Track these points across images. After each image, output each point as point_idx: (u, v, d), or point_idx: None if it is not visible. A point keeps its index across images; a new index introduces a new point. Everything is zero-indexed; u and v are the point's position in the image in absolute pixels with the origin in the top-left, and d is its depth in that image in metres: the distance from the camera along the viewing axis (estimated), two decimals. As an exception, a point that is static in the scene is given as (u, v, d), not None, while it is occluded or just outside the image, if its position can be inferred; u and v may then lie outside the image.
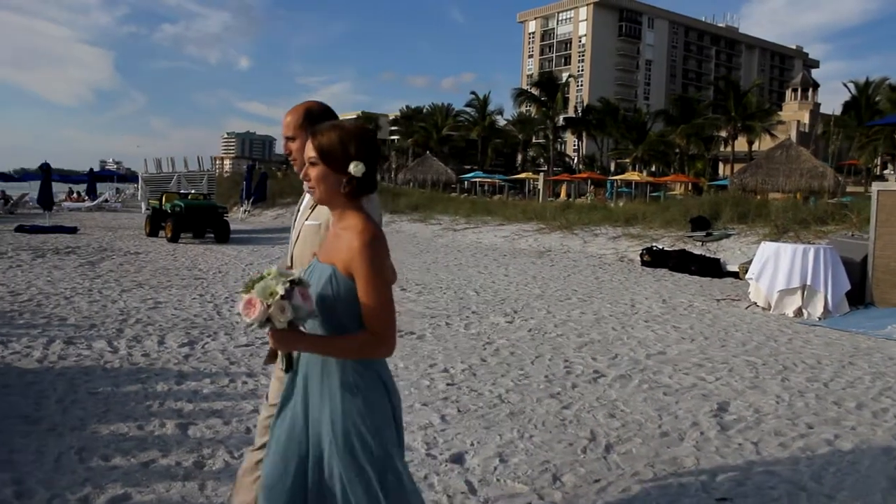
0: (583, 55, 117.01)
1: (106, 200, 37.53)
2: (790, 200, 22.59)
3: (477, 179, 59.75)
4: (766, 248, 10.09)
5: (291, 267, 2.61)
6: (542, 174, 54.18)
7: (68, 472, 3.76)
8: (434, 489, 3.70)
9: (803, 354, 7.16)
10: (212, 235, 19.16)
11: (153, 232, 19.56)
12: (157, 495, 3.52)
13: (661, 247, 15.87)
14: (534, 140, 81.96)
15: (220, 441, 4.26)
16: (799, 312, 9.40)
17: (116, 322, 7.67)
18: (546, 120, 72.60)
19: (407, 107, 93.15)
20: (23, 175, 46.45)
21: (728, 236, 16.88)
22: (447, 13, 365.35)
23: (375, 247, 2.03)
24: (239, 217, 30.05)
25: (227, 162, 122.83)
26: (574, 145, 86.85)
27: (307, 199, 2.68)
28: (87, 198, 37.92)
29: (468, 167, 74.34)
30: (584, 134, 76.04)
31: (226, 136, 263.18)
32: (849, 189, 36.33)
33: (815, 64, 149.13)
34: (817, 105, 67.45)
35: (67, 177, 48.13)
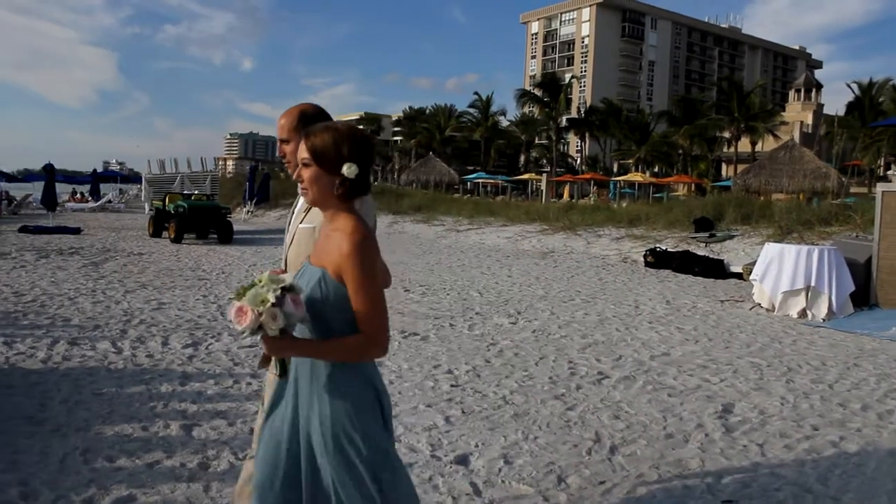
0: (586, 56, 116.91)
1: (109, 201, 37.62)
2: (793, 201, 22.55)
3: (480, 180, 59.77)
4: (770, 250, 10.07)
5: (286, 270, 2.60)
6: (544, 175, 54.17)
7: (73, 472, 3.76)
8: (439, 490, 3.70)
9: (808, 356, 7.15)
10: (215, 236, 19.19)
11: (156, 233, 19.59)
12: (162, 496, 3.52)
13: (664, 248, 15.86)
14: (537, 141, 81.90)
15: (224, 442, 4.26)
16: (803, 314, 9.38)
17: (120, 323, 7.67)
18: (549, 121, 72.56)
19: (410, 108, 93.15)
20: (26, 176, 46.60)
21: (731, 237, 16.86)
22: (450, 14, 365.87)
23: (365, 249, 2.02)
24: (242, 218, 30.07)
25: (230, 163, 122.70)
26: (577, 146, 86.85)
27: (301, 201, 2.67)
28: (90, 198, 38.06)
29: (471, 168, 74.34)
30: (587, 135, 75.98)
31: (229, 136, 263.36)
32: (852, 190, 36.30)
33: (819, 64, 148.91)
34: (821, 106, 67.36)
35: (71, 178, 48.36)
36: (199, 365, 6.05)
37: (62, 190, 35.32)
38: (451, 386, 5.65)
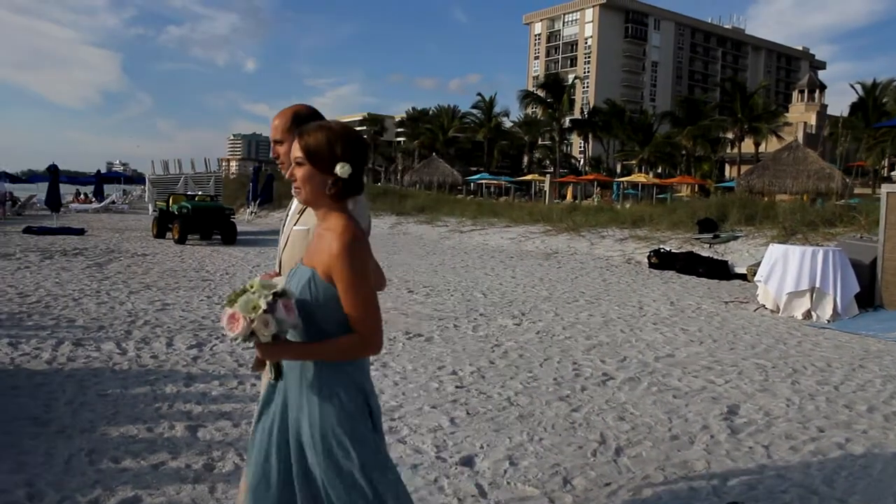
0: (589, 57, 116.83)
1: (113, 202, 37.70)
2: (797, 202, 22.49)
3: (483, 181, 59.76)
4: (775, 251, 10.06)
5: (280, 273, 2.59)
6: (548, 176, 54.12)
7: (78, 474, 3.76)
8: (444, 492, 3.69)
9: (813, 357, 7.13)
10: (219, 237, 19.21)
11: (160, 233, 19.62)
12: (168, 497, 3.52)
13: (668, 249, 15.84)
14: (540, 142, 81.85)
15: (229, 443, 4.26)
16: (808, 315, 9.36)
17: (125, 324, 7.68)
18: (552, 121, 72.50)
19: (413, 108, 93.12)
20: (30, 177, 46.71)
21: (735, 238, 16.83)
22: (454, 15, 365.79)
23: (355, 248, 2.01)
24: (245, 218, 30.12)
25: (233, 164, 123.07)
26: (580, 147, 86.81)
27: (296, 203, 2.66)
28: (94, 199, 38.11)
29: (474, 169, 74.38)
30: (590, 136, 75.93)
31: (232, 137, 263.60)
32: (856, 191, 36.20)
33: (822, 65, 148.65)
34: (824, 106, 67.27)
35: (75, 178, 48.39)
36: (203, 366, 6.06)
37: (66, 191, 35.38)
38: (456, 387, 5.65)
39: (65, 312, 8.20)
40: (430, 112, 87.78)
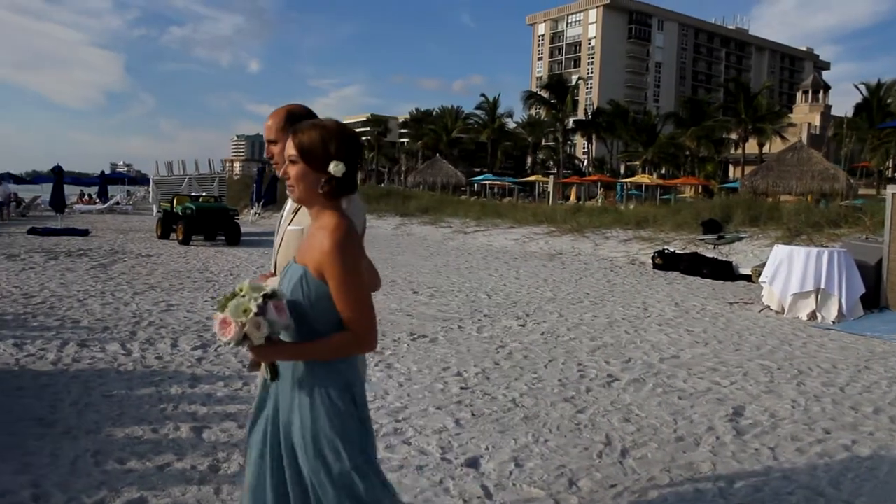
0: (592, 57, 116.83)
1: (117, 203, 37.72)
2: (802, 203, 22.45)
3: (486, 182, 59.79)
4: (780, 252, 10.03)
5: (275, 273, 2.59)
6: (551, 177, 54.06)
7: (84, 475, 3.76)
8: (450, 494, 3.69)
9: (818, 358, 7.11)
10: (223, 238, 19.22)
11: (164, 234, 19.63)
12: (173, 499, 3.52)
13: (672, 250, 15.82)
14: (543, 142, 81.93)
15: (234, 445, 4.26)
16: (813, 316, 9.34)
17: (129, 325, 7.69)
18: (556, 122, 72.59)
19: (417, 109, 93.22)
20: (35, 178, 46.80)
21: (740, 239, 16.80)
22: (457, 16, 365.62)
23: (346, 245, 2.01)
24: (249, 219, 30.14)
25: (237, 164, 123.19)
26: (584, 148, 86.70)
27: (291, 203, 2.66)
28: (98, 200, 38.14)
29: (478, 170, 74.48)
30: (593, 136, 75.92)
31: (235, 138, 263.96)
32: (861, 192, 36.10)
33: (826, 66, 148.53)
34: (828, 107, 67.22)
35: (79, 179, 48.45)
36: (208, 367, 6.06)
37: (70, 192, 35.40)
38: (461, 388, 5.64)
39: (70, 313, 8.21)
40: (434, 113, 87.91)
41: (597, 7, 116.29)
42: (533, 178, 63.34)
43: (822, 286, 9.32)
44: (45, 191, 31.63)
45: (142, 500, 3.51)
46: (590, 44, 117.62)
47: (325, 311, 2.04)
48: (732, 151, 62.26)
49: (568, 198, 50.99)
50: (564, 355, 6.91)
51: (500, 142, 78.81)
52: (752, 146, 58.08)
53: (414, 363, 6.37)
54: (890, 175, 55.49)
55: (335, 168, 2.06)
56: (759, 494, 3.80)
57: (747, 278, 13.17)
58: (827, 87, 68.97)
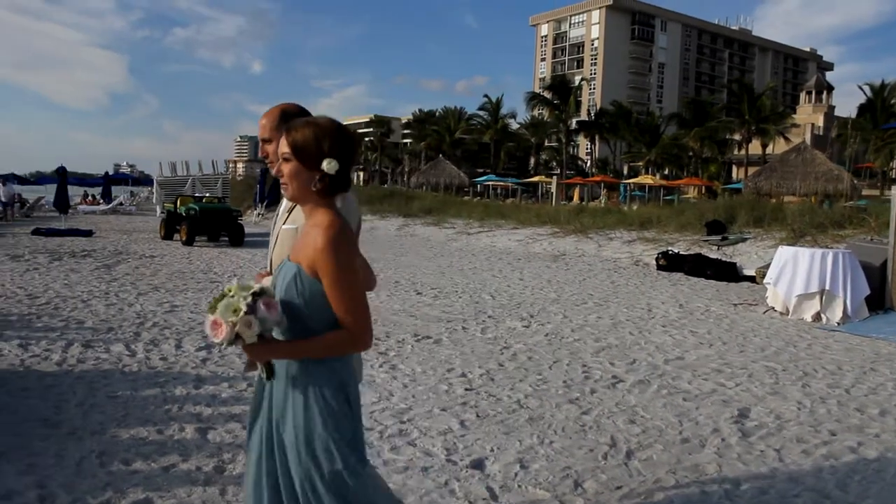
0: (595, 58, 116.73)
1: (121, 204, 37.79)
2: (806, 204, 22.42)
3: (490, 183, 59.78)
4: (784, 253, 10.01)
5: (271, 272, 2.59)
6: (555, 177, 54.09)
7: (89, 476, 3.76)
8: (455, 495, 3.68)
9: (823, 360, 7.09)
10: (226, 238, 19.25)
11: (168, 235, 19.66)
12: (179, 500, 3.52)
13: (676, 251, 15.79)
14: (546, 143, 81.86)
15: (239, 445, 4.25)
16: (817, 317, 9.32)
17: (133, 325, 7.70)
18: (559, 123, 72.51)
19: (420, 110, 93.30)
20: (39, 178, 46.85)
21: (744, 240, 16.77)
22: (460, 16, 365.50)
23: (340, 242, 2.00)
24: (253, 220, 30.16)
25: (240, 165, 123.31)
26: (587, 149, 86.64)
27: (285, 202, 2.66)
28: (101, 201, 38.23)
29: (481, 170, 74.39)
30: (596, 137, 75.84)
31: (238, 139, 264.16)
32: (865, 192, 36.06)
33: (830, 66, 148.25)
34: (832, 108, 67.10)
35: (83, 180, 48.57)
36: (212, 368, 6.06)
37: (74, 192, 35.47)
38: (466, 390, 5.64)
39: (74, 314, 8.22)
40: (437, 114, 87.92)
41: (600, 8, 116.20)
42: (536, 178, 63.37)
43: (827, 287, 9.30)
44: (48, 192, 31.73)
45: (147, 500, 3.51)
46: (593, 45, 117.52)
47: (320, 309, 2.03)
48: (736, 152, 62.14)
49: (571, 199, 50.93)
50: (569, 356, 6.90)
51: (504, 143, 78.78)
52: (755, 147, 58.00)
53: (418, 364, 6.37)
54: (894, 176, 55.34)
55: (328, 166, 2.05)
56: (765, 497, 3.79)
57: (751, 279, 13.15)
58: (830, 88, 68.84)
